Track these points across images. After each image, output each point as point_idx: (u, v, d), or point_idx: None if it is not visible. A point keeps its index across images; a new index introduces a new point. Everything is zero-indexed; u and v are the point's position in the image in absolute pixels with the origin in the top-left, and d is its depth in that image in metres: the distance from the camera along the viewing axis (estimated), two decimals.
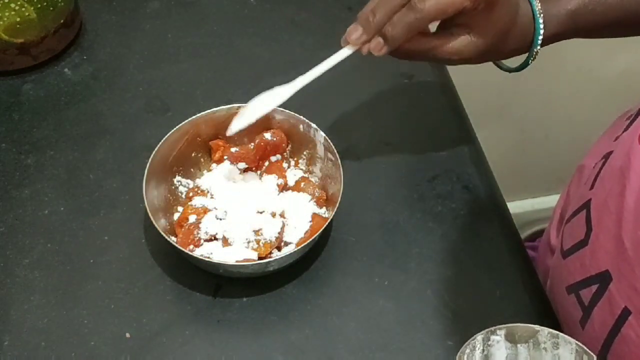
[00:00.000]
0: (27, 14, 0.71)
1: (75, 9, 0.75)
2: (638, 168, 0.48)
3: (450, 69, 0.79)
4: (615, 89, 1.17)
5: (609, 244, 0.49)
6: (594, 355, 0.45)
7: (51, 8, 0.72)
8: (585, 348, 0.46)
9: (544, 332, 0.47)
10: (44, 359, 0.55)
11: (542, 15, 0.58)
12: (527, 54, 0.61)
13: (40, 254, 0.60)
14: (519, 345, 0.46)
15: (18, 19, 0.70)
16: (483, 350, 0.48)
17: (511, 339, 0.47)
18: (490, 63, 0.63)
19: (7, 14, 0.70)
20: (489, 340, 0.48)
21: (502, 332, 0.47)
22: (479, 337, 0.47)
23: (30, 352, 0.55)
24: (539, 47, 0.60)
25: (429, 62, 0.59)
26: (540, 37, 0.59)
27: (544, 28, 0.58)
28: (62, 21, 0.73)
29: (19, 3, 0.70)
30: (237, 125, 0.58)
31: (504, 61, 0.64)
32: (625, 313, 0.47)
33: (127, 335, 0.56)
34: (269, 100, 0.58)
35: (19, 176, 0.65)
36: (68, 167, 0.67)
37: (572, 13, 0.59)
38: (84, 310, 0.57)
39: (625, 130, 0.55)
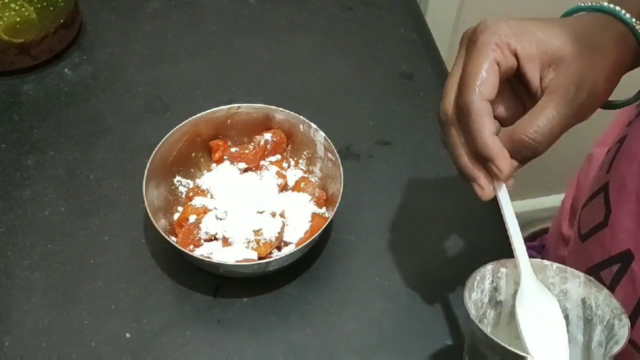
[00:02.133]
0: (27, 14, 0.71)
1: (75, 9, 0.75)
2: None
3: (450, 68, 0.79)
4: (617, 89, 1.16)
5: (630, 223, 0.49)
6: (603, 287, 0.46)
7: (51, 8, 0.72)
8: (594, 280, 0.46)
9: (552, 267, 0.48)
10: None
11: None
12: None
13: (40, 254, 0.60)
14: None
15: (18, 19, 0.70)
16: (492, 281, 0.48)
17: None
18: None
19: (7, 14, 0.70)
20: (498, 272, 0.48)
21: (511, 265, 0.48)
22: (489, 267, 0.48)
23: (30, 352, 0.55)
24: None
25: None
26: None
27: None
28: (62, 21, 0.73)
29: (19, 3, 0.70)
30: None
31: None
32: None
33: (127, 335, 0.56)
34: None
35: (19, 176, 0.66)
36: (68, 167, 0.67)
37: None
38: (84, 311, 0.57)
39: (639, 115, 0.55)
